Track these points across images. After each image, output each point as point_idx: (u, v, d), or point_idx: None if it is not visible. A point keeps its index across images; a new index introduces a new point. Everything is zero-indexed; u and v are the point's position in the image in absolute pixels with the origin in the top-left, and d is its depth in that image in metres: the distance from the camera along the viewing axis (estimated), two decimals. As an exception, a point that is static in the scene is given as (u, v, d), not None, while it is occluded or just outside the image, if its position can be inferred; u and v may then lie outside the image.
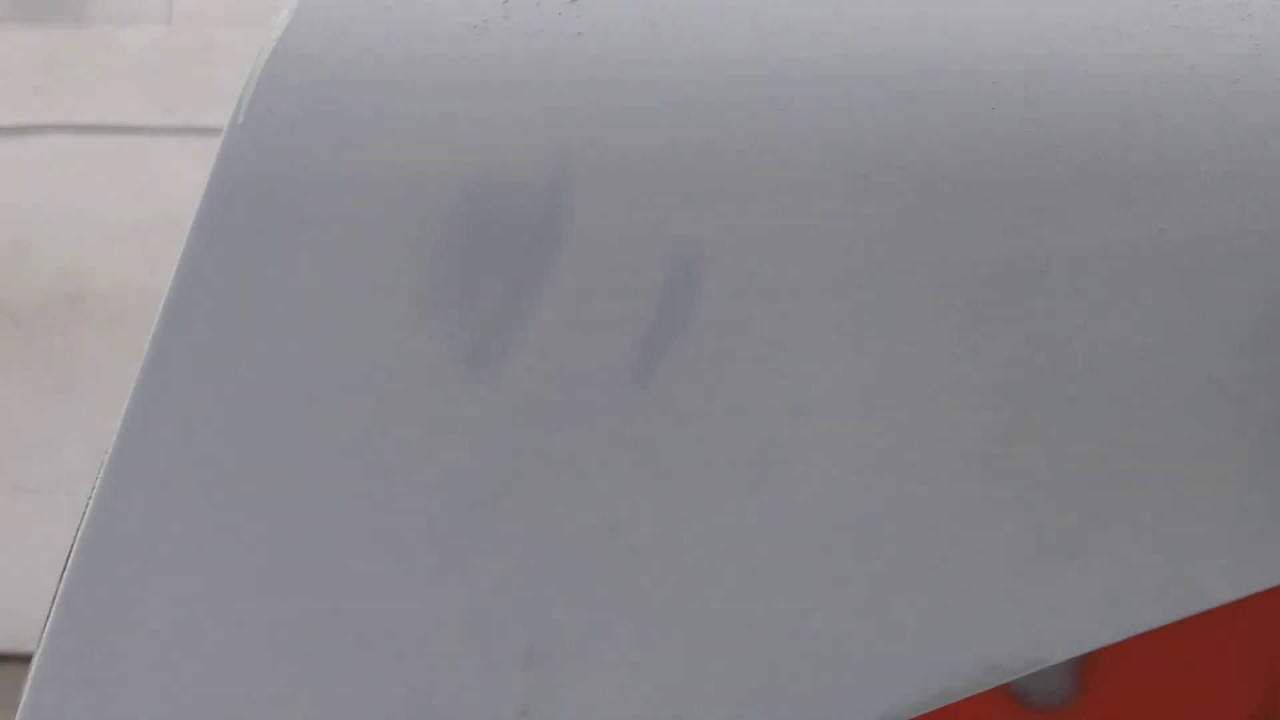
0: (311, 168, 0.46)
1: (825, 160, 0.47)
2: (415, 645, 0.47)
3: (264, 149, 0.46)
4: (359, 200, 0.46)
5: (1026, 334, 0.47)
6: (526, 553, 0.47)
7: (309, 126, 0.46)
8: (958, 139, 0.47)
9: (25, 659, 0.50)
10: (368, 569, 0.47)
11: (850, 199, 0.47)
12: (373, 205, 0.46)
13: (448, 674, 0.46)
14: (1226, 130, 0.47)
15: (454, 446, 0.47)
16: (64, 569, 0.47)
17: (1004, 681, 0.46)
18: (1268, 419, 0.47)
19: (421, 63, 0.47)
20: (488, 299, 0.46)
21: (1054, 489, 0.47)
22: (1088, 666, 0.51)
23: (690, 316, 0.47)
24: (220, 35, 3.47)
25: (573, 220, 0.46)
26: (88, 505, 0.47)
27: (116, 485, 0.45)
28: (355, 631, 0.47)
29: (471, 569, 0.47)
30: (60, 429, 3.31)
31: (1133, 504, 0.47)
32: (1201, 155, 0.47)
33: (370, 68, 0.47)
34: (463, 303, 0.46)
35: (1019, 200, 0.47)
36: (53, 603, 0.47)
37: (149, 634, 0.46)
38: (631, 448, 0.47)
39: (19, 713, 0.46)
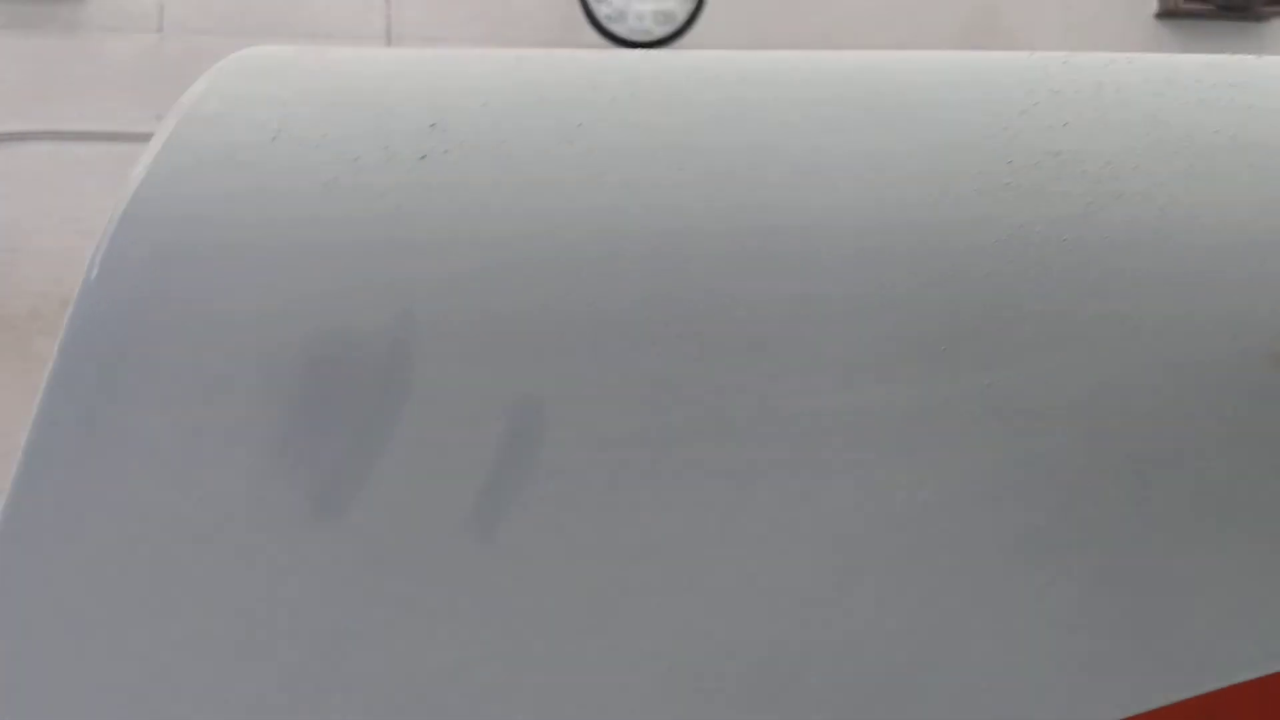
0: (165, 322, 0.48)
1: (660, 317, 0.48)
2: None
3: (118, 303, 0.48)
4: (210, 353, 0.48)
5: (853, 485, 0.48)
6: (374, 694, 0.48)
7: (162, 281, 0.48)
8: (786, 298, 0.48)
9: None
10: (220, 711, 0.48)
11: (683, 357, 0.48)
12: (223, 358, 0.48)
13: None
14: (1056, 287, 0.48)
15: (302, 591, 0.48)
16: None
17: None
18: (1092, 568, 0.48)
19: (273, 219, 0.48)
20: (335, 449, 0.48)
21: (887, 633, 0.48)
22: None
23: (531, 466, 0.48)
24: (211, 44, 3.48)
25: (417, 374, 0.48)
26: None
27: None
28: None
29: (320, 710, 0.48)
30: (54, 432, 3.32)
31: (963, 653, 0.48)
32: (1030, 313, 0.48)
33: (223, 224, 0.48)
34: (311, 453, 0.48)
35: (849, 359, 0.48)
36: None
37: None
38: (476, 592, 0.49)
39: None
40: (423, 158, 0.48)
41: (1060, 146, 0.49)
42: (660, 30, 3.72)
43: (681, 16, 3.72)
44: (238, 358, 0.48)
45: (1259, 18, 3.73)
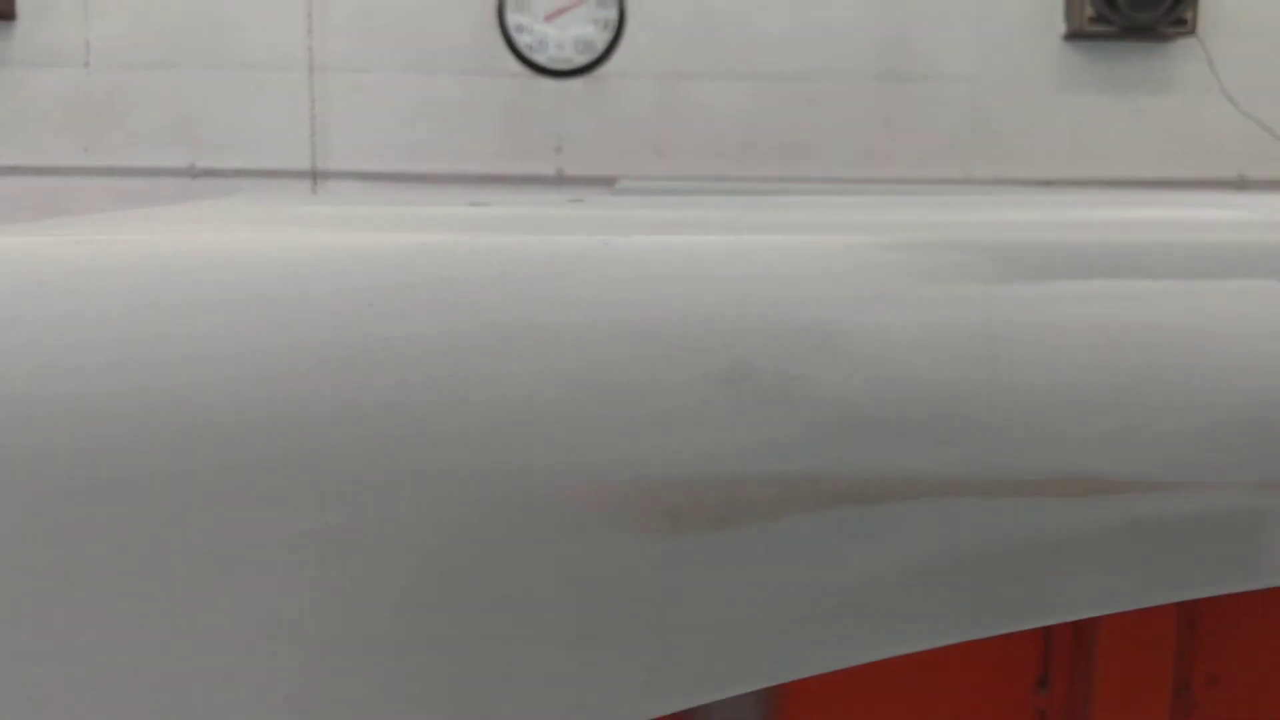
0: None
1: (79, 471, 0.59)
2: None
3: None
4: None
5: (231, 610, 0.60)
6: None
7: None
8: (197, 448, 0.59)
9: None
10: None
11: (105, 502, 0.59)
12: None
13: None
14: (381, 446, 0.60)
15: None
16: None
17: None
18: (420, 662, 0.60)
19: None
20: None
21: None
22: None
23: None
24: (137, 78, 3.60)
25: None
26: None
27: None
28: None
29: None
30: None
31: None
32: (361, 465, 0.60)
33: None
34: None
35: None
36: None
37: None
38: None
39: None
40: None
41: (391, 333, 0.60)
42: (580, 58, 3.82)
43: (601, 44, 3.82)
44: None
45: (1163, 38, 3.81)
